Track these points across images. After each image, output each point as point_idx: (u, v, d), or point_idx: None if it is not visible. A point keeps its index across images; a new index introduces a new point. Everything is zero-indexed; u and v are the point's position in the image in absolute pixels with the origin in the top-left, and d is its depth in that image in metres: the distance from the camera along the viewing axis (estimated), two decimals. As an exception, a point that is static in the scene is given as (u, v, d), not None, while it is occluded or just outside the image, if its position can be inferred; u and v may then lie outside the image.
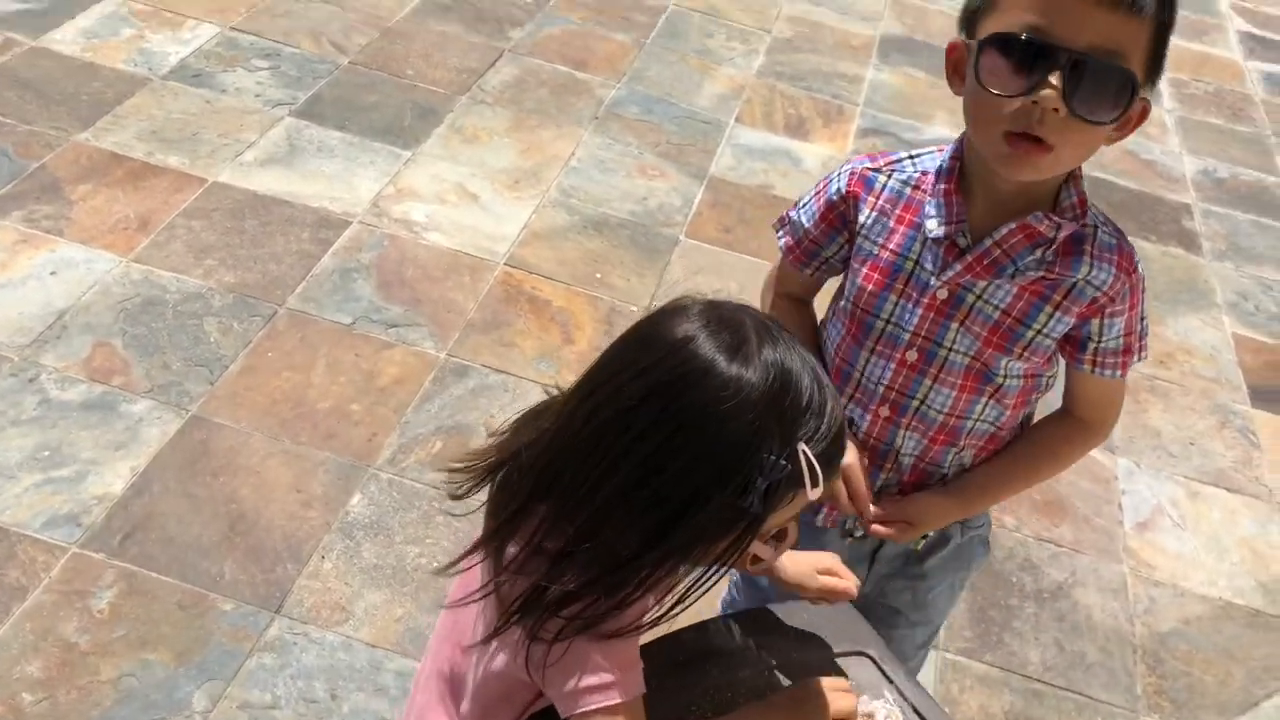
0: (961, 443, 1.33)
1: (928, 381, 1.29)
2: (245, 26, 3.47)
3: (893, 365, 1.30)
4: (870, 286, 1.29)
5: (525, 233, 2.96)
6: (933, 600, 1.50)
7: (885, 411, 1.33)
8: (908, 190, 1.28)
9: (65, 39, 3.24)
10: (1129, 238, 1.27)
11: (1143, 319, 1.29)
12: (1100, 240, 1.22)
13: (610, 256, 2.95)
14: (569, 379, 2.62)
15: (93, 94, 3.06)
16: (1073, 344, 1.28)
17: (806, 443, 0.86)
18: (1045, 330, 1.24)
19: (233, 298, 2.55)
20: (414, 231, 2.87)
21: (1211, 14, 5.20)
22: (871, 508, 1.32)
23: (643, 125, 3.48)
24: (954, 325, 1.26)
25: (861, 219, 1.30)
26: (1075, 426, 1.37)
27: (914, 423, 1.32)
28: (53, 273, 2.52)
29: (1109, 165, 3.78)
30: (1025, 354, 1.26)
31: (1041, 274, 1.21)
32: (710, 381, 0.86)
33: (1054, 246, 1.21)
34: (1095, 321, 1.25)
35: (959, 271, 1.23)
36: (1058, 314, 1.23)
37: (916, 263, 1.26)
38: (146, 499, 2.09)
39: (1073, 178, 1.22)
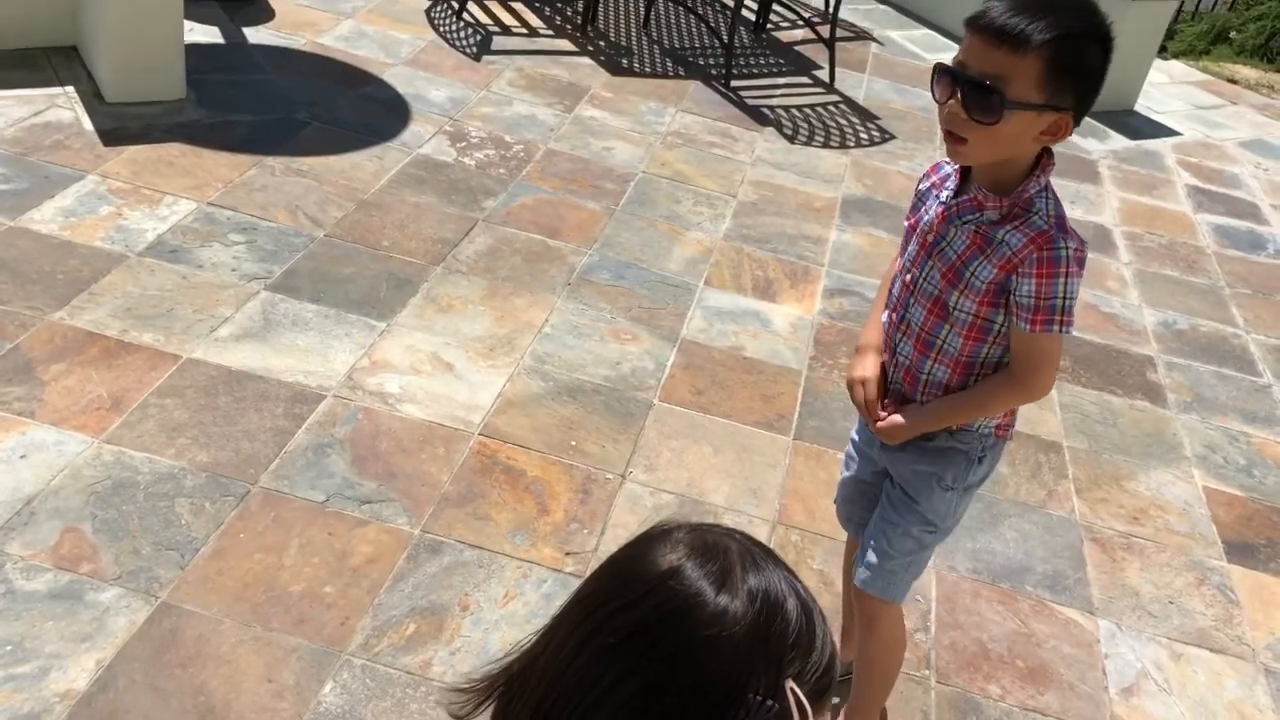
0: (932, 357, 1.81)
1: (913, 300, 1.82)
2: (222, 202, 3.54)
3: (901, 284, 1.85)
4: (909, 229, 1.86)
5: (500, 401, 2.98)
6: (911, 478, 1.91)
7: (894, 317, 1.87)
8: (953, 174, 1.80)
9: (44, 218, 3.29)
10: (1066, 243, 1.65)
11: (1062, 297, 1.66)
12: (1032, 221, 1.66)
13: (585, 423, 2.96)
14: (544, 552, 2.60)
15: (69, 272, 3.09)
16: (1006, 296, 1.70)
17: (795, 678, 0.86)
18: (976, 273, 1.71)
19: (205, 477, 2.53)
20: (388, 403, 2.88)
21: (1160, 169, 5.41)
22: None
23: (614, 290, 3.55)
24: (930, 261, 1.78)
25: (922, 187, 1.88)
26: (1005, 374, 1.79)
27: (906, 330, 1.84)
28: (22, 456, 2.50)
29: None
30: (965, 290, 1.72)
31: (975, 228, 1.70)
32: (695, 617, 0.85)
33: (986, 213, 1.69)
34: (1013, 278, 1.67)
35: (934, 218, 1.77)
36: (984, 261, 1.69)
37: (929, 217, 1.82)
38: (111, 694, 2.03)
39: (1034, 178, 1.66)
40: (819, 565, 2.66)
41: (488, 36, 5.22)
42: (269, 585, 2.31)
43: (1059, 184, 1.93)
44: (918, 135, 5.19)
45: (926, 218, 1.80)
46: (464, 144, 4.23)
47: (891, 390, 1.91)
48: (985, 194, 1.69)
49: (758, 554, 0.91)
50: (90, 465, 2.51)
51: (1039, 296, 1.66)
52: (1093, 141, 5.51)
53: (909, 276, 1.82)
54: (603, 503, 2.72)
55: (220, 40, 4.59)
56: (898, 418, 1.86)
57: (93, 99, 3.94)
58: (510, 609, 2.38)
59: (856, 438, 2.10)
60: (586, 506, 2.70)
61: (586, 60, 5.22)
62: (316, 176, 3.79)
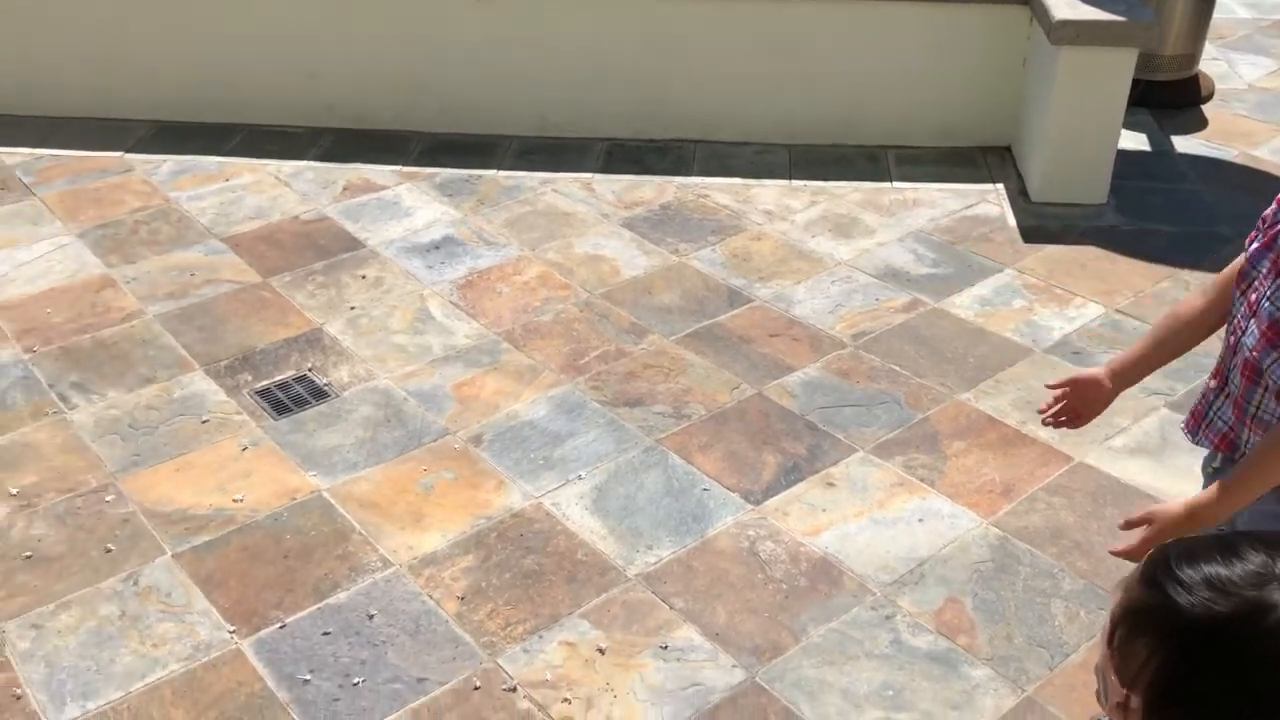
0: (1261, 385, 1.59)
1: (1253, 320, 1.61)
2: (1130, 310, 3.52)
3: (1244, 303, 1.65)
4: (1260, 248, 1.65)
5: None
6: (1259, 522, 1.63)
7: (1231, 341, 1.67)
8: None
9: (962, 304, 3.58)
10: None
11: None
12: None
13: None
14: None
15: (979, 357, 3.32)
16: None
17: None
18: (1268, 294, 1.56)
19: (1083, 584, 2.53)
20: None
21: None
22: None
23: None
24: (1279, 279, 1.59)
25: None
26: None
27: (1239, 355, 1.63)
28: (920, 520, 2.73)
29: None
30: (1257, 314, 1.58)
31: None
32: None
33: None
34: None
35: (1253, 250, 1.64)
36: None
37: None
38: (971, 769, 2.12)
39: None
40: None
41: None
42: (1135, 715, 2.23)
43: None
44: None
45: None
46: None
47: (1212, 426, 1.69)
48: None
49: None
50: (977, 543, 2.66)
51: None
52: None
53: (1254, 295, 1.61)
54: None
55: (1146, 148, 4.58)
56: (1142, 528, 1.59)
57: (1018, 197, 4.19)
58: None
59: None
60: None
61: None
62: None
